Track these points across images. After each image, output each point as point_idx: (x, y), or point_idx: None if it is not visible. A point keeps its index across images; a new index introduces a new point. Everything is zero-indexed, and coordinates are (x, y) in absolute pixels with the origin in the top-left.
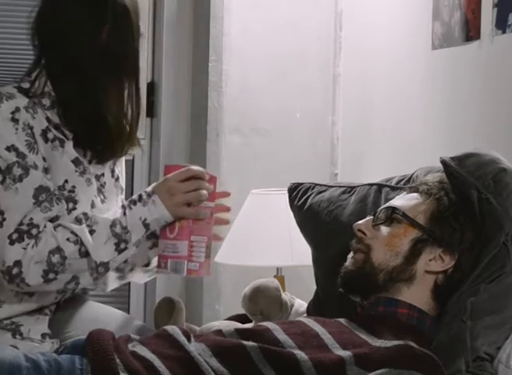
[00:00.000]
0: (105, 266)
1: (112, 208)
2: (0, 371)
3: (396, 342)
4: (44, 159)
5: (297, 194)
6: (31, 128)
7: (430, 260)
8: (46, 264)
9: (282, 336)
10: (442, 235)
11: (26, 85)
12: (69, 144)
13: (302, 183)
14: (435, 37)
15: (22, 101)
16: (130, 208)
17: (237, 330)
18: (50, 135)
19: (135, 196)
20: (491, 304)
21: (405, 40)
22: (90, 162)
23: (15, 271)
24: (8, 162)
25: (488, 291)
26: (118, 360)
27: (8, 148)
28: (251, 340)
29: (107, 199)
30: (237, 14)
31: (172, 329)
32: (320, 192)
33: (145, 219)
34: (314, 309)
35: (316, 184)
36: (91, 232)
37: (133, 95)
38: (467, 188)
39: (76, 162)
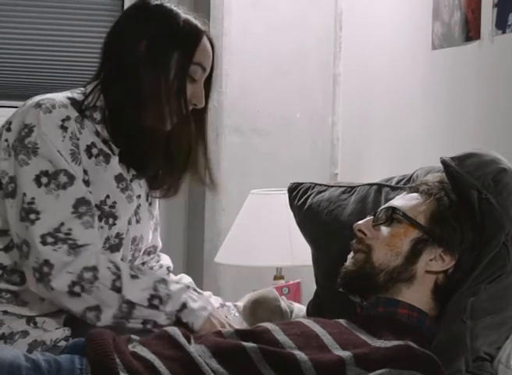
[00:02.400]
0: (131, 306)
1: (143, 232)
2: (0, 371)
3: (395, 342)
4: (85, 172)
5: (297, 194)
6: (77, 139)
7: (430, 260)
8: (77, 276)
9: (281, 337)
10: (443, 235)
11: (80, 97)
12: (115, 160)
13: (302, 183)
14: (435, 37)
15: (73, 112)
16: (189, 288)
17: (237, 331)
18: (94, 151)
19: (206, 293)
20: (491, 304)
21: (405, 40)
22: (131, 181)
23: (45, 269)
24: (56, 168)
25: (489, 291)
26: (118, 360)
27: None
28: (251, 341)
29: (141, 220)
30: (237, 14)
31: (172, 330)
32: (320, 192)
33: (185, 304)
34: (313, 309)
35: (316, 184)
36: (133, 277)
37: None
38: (467, 188)
39: (119, 178)
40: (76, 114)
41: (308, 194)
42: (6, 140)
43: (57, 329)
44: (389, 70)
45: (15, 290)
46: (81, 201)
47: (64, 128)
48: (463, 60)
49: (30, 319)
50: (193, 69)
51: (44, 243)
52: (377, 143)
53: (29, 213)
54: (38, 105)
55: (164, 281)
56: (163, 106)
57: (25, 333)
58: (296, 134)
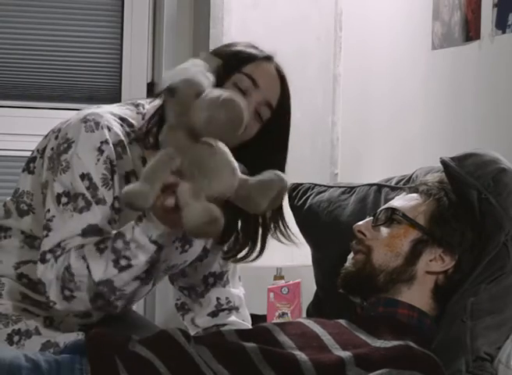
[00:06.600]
0: (107, 284)
1: (188, 258)
2: (0, 371)
3: (396, 342)
4: (117, 199)
5: (297, 194)
6: (113, 165)
7: (430, 261)
8: (61, 281)
9: (281, 337)
10: (443, 235)
11: (134, 116)
12: None
13: (302, 184)
14: (435, 37)
15: (115, 137)
16: (137, 224)
17: (237, 331)
18: (133, 179)
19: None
20: (491, 304)
21: (405, 40)
22: None
23: (41, 287)
24: (76, 191)
25: (489, 291)
26: (118, 360)
27: (82, 176)
28: (251, 341)
29: (190, 249)
30: (237, 14)
31: (172, 330)
32: (320, 192)
33: (151, 236)
34: (314, 310)
35: (316, 185)
36: (101, 250)
37: None
38: (467, 188)
39: None
40: (120, 138)
41: (308, 194)
42: (52, 148)
43: (71, 332)
44: (389, 70)
45: (40, 299)
46: (93, 227)
47: (100, 151)
48: (463, 60)
49: (46, 318)
50: (238, 77)
51: (42, 260)
52: (377, 143)
53: (44, 229)
54: (84, 120)
55: (117, 235)
56: None
57: (37, 332)
58: (296, 134)
